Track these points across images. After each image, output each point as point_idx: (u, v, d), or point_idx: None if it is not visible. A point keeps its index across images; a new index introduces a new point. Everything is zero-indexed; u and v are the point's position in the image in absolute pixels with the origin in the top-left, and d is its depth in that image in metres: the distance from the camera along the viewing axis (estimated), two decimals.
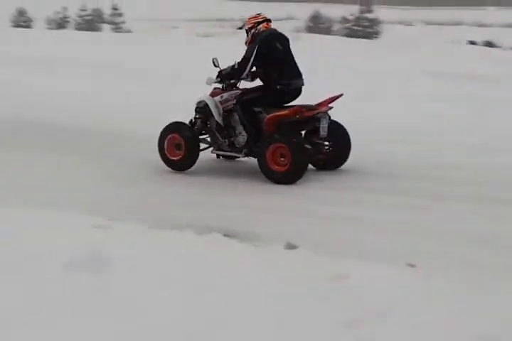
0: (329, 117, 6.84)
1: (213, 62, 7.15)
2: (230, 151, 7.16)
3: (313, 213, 5.91)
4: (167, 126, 7.28)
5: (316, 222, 5.69)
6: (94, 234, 4.20)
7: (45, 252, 3.84)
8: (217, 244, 4.27)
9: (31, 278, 3.55)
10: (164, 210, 6.01)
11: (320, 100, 6.91)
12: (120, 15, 56.53)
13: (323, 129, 6.68)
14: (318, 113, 6.71)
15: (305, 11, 49.47)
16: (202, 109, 7.17)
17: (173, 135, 7.15)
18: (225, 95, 7.12)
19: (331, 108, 6.86)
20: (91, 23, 56.91)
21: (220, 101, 7.12)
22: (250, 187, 6.78)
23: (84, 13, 58.32)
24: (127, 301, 3.37)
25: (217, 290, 3.45)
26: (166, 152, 7.21)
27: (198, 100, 7.26)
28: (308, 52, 18.63)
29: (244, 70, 6.84)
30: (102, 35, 32.92)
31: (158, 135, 7.31)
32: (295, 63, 7.03)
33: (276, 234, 5.19)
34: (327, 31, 41.06)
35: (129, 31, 52.63)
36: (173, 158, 7.18)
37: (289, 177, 6.58)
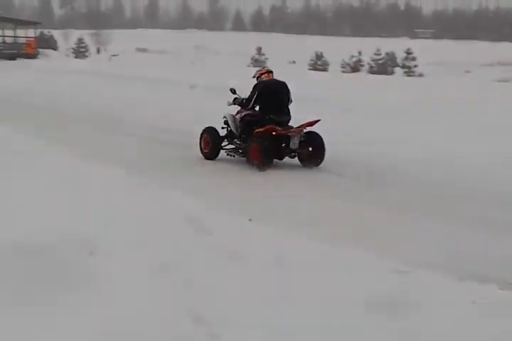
0: (301, 135, 9.29)
1: (231, 90, 10.02)
2: (240, 153, 9.79)
3: None
4: (204, 129, 10.16)
5: None
6: (392, 279, 4.26)
7: (346, 292, 3.99)
8: None
9: (331, 319, 3.73)
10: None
11: None
12: (413, 59, 57.15)
13: (293, 144, 9.27)
14: (290, 132, 9.21)
15: None
16: (225, 122, 10.12)
17: (205, 135, 10.10)
18: (243, 114, 9.84)
19: (302, 130, 9.30)
20: (383, 66, 58.29)
21: (240, 118, 9.87)
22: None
23: (377, 56, 59.97)
24: None
25: None
26: (201, 146, 10.13)
27: (223, 115, 10.14)
28: None
29: (249, 105, 9.65)
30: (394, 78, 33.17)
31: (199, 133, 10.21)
32: (287, 104, 9.55)
33: None
34: None
35: (420, 75, 52.90)
36: (205, 151, 10.10)
37: (261, 165, 9.05)
